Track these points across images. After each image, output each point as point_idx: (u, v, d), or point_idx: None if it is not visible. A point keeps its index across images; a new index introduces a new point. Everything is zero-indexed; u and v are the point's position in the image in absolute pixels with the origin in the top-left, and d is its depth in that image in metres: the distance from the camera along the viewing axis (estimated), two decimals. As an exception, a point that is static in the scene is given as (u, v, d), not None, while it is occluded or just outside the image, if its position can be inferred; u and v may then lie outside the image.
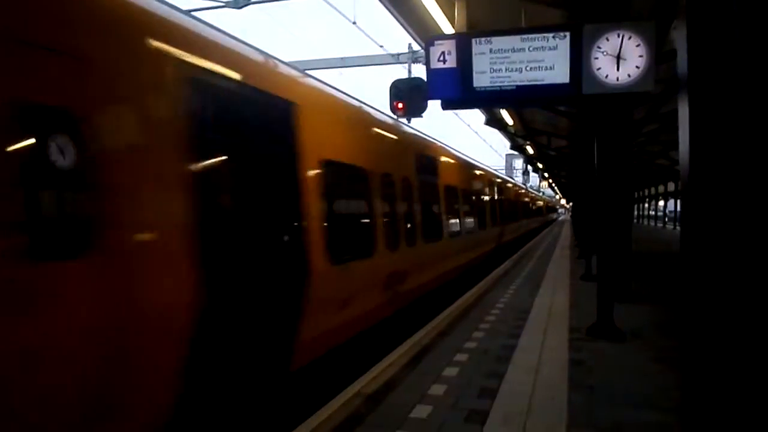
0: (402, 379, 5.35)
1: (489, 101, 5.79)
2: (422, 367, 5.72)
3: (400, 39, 17.46)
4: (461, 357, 6.08)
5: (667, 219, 42.51)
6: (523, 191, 32.34)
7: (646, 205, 50.81)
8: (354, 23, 13.70)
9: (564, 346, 6.53)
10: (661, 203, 44.49)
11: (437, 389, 5.03)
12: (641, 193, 48.85)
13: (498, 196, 19.27)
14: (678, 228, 36.79)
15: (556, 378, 5.32)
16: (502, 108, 14.19)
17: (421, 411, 4.49)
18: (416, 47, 18.66)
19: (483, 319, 8.08)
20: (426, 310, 9.21)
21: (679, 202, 37.98)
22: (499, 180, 21.13)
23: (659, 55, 5.86)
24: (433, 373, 5.49)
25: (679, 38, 2.07)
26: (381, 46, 17.21)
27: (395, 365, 5.78)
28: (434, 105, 6.10)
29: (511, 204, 23.58)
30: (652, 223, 48.05)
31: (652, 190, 45.75)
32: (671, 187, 37.72)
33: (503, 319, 8.09)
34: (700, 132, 2.01)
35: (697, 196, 2.03)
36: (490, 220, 17.01)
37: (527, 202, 33.49)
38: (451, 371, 5.57)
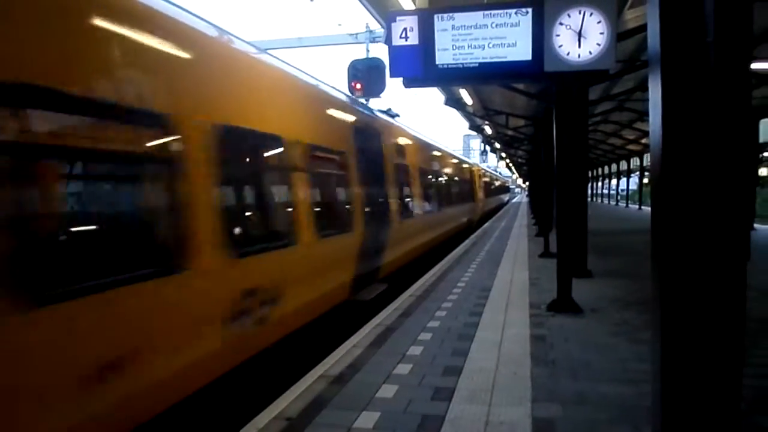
0: (366, 359, 5.32)
1: (451, 79, 5.75)
2: (386, 348, 5.70)
3: (359, 19, 17.31)
4: (425, 336, 6.09)
5: (619, 197, 43.79)
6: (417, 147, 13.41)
7: (599, 183, 52.20)
8: (311, 0, 13.44)
9: (525, 322, 6.62)
10: (614, 182, 45.75)
11: (402, 369, 5.02)
12: (594, 172, 50.10)
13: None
14: (629, 206, 37.96)
15: (518, 354, 5.38)
16: (464, 86, 14.14)
17: (387, 391, 4.48)
18: (373, 27, 18.49)
19: (445, 298, 8.13)
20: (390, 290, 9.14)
21: (631, 181, 39.14)
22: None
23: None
24: (397, 353, 5.48)
25: (650, 11, 2.05)
26: (339, 25, 17.02)
27: (359, 346, 5.75)
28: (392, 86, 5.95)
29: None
30: (605, 201, 49.41)
31: (605, 169, 46.97)
32: (623, 166, 38.80)
33: (465, 297, 8.15)
34: (674, 111, 2.00)
35: (670, 176, 2.02)
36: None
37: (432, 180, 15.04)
38: (415, 350, 5.57)
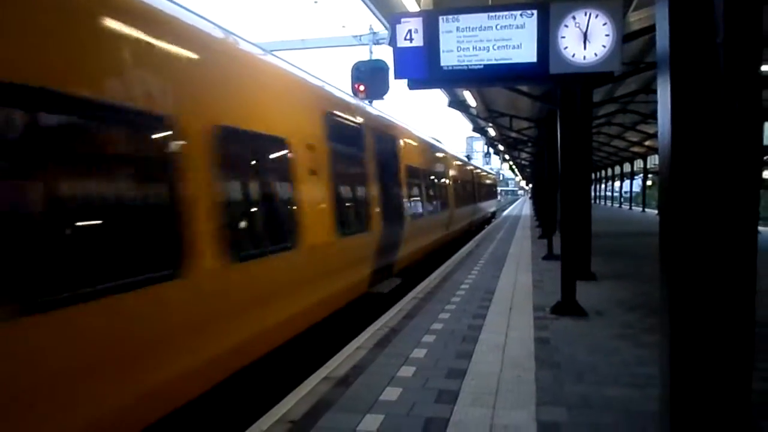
0: (370, 361, 5.30)
1: (456, 81, 5.74)
2: (390, 350, 5.69)
3: (363, 21, 17.38)
4: (429, 338, 6.07)
5: (622, 199, 43.73)
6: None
7: (602, 186, 52.12)
8: (315, 2, 13.46)
9: (529, 324, 6.59)
10: (617, 184, 45.68)
11: (406, 371, 5.00)
12: (597, 174, 50.01)
13: None
14: (632, 208, 37.88)
15: (523, 357, 5.36)
16: (469, 88, 14.13)
17: (391, 393, 4.46)
18: (377, 28, 18.47)
19: (449, 300, 8.11)
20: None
21: (634, 183, 38.99)
22: None
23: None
24: (401, 355, 5.46)
25: (659, 12, 2.03)
26: (343, 26, 17.08)
27: (363, 348, 5.74)
28: (396, 87, 5.95)
29: None
30: (608, 203, 49.32)
31: (609, 171, 46.88)
32: (627, 168, 38.72)
33: (469, 300, 8.13)
34: (683, 112, 1.98)
35: (679, 178, 2.01)
36: None
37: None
38: (419, 353, 5.55)
